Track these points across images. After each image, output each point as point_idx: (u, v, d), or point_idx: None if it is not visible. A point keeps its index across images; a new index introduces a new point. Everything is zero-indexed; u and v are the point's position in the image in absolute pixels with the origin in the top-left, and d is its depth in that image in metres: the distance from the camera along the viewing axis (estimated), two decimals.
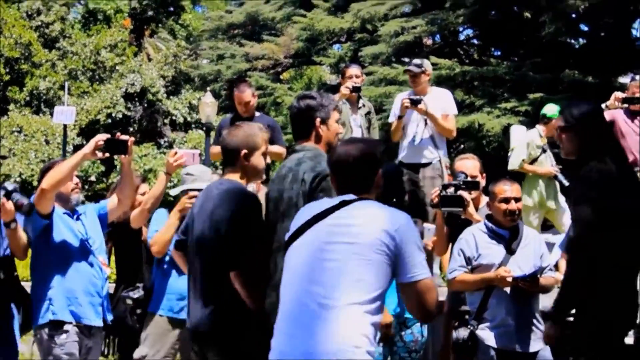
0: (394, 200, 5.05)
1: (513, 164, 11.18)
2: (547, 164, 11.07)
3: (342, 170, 4.60)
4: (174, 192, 7.38)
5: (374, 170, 4.59)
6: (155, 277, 7.55)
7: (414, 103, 10.11)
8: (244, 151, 5.70)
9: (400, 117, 10.40)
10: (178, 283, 7.25)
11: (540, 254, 6.86)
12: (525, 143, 11.07)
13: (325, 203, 4.55)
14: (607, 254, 5.35)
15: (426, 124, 10.37)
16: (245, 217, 5.42)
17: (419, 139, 10.40)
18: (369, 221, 4.29)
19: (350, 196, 4.47)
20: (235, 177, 5.72)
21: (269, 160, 5.95)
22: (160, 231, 7.22)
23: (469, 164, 7.61)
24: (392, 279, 4.29)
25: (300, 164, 5.57)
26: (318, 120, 5.73)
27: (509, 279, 6.54)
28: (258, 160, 5.75)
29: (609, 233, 5.33)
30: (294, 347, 4.17)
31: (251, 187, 7.22)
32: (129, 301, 7.61)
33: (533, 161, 11.12)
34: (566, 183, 10.59)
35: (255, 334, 5.32)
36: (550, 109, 11.12)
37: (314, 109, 5.74)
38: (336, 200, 4.50)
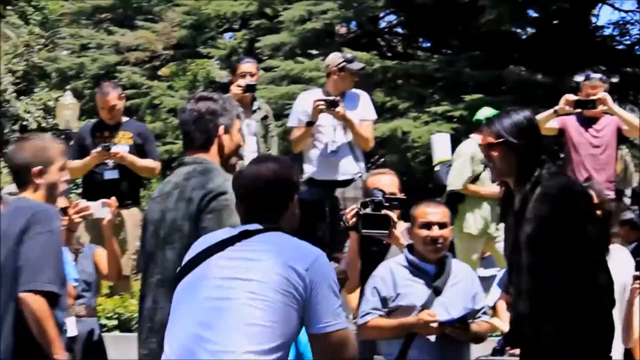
0: (317, 234, 5.05)
1: (454, 184, 10.86)
2: (491, 182, 10.91)
3: (249, 195, 4.60)
4: None
5: (287, 196, 4.61)
6: None
7: (331, 105, 9.94)
8: (37, 168, 5.76)
9: (310, 124, 10.20)
10: None
11: (472, 293, 6.88)
12: (469, 157, 10.76)
13: (224, 233, 4.57)
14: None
15: (344, 130, 10.28)
16: (40, 232, 5.51)
17: (333, 149, 10.26)
18: (274, 255, 4.30)
19: (255, 226, 4.48)
20: (29, 197, 5.80)
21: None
22: None
23: (386, 180, 7.58)
24: (301, 327, 4.30)
25: (189, 179, 5.55)
26: (221, 128, 5.68)
27: (434, 325, 6.54)
28: (55, 177, 5.84)
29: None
30: None
31: (106, 211, 7.21)
32: None
33: (475, 179, 10.86)
34: None
35: None
36: (488, 113, 10.95)
37: (217, 114, 5.69)
38: (237, 230, 4.51)
